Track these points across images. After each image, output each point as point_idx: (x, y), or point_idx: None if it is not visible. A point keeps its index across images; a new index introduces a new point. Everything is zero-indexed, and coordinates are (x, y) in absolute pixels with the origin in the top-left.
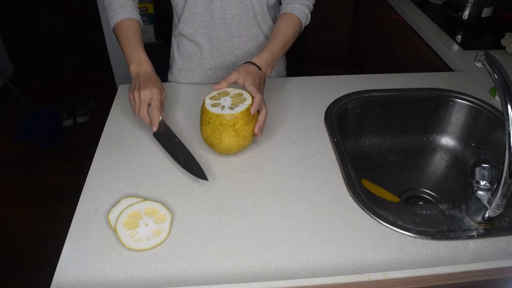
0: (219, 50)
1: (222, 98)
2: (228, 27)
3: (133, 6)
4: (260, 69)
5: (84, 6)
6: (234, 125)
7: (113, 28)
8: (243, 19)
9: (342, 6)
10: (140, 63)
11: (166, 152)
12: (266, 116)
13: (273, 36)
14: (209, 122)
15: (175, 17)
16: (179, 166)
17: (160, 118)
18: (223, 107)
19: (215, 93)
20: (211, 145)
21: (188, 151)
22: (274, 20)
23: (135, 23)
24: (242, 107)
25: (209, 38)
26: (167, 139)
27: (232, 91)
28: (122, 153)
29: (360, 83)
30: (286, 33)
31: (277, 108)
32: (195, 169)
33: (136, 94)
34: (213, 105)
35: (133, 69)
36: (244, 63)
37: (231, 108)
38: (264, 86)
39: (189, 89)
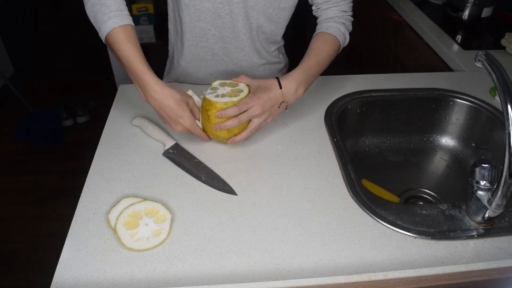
0: (223, 59)
1: (225, 86)
2: (236, 39)
3: (126, 8)
4: (280, 87)
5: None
6: (208, 110)
7: (109, 34)
8: (248, 31)
9: None
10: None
11: None
12: (244, 138)
13: (305, 54)
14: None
15: (172, 29)
16: (179, 166)
17: (174, 142)
18: (216, 94)
19: (227, 80)
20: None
21: (211, 170)
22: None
23: (133, 31)
24: (223, 99)
25: (212, 50)
26: (184, 160)
27: (241, 86)
28: (122, 153)
29: (360, 83)
30: (319, 50)
31: None
32: (220, 185)
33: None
34: (212, 88)
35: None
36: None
37: (217, 96)
38: (286, 109)
39: (189, 87)
